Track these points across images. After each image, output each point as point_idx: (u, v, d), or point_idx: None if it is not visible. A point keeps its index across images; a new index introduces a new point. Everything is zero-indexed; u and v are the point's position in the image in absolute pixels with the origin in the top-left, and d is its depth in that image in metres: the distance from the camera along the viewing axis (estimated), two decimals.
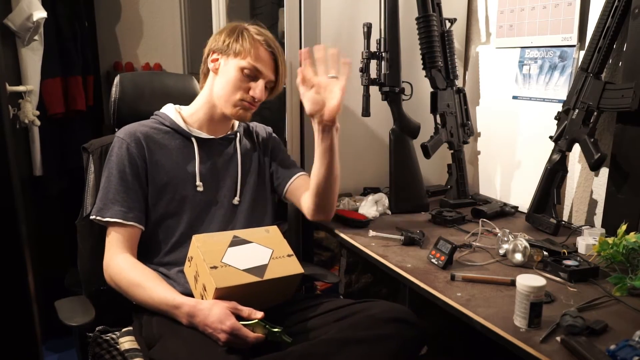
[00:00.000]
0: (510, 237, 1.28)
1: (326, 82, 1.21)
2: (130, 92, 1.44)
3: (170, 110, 1.35)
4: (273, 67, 1.32)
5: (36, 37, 1.98)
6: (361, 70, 1.58)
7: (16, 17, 1.89)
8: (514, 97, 1.71)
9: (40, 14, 1.89)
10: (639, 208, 1.31)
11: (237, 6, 2.67)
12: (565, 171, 1.46)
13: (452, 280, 1.14)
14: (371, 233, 1.41)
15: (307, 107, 1.23)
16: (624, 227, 1.16)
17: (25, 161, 2.06)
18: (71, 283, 2.12)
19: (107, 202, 1.22)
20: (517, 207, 1.66)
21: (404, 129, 1.63)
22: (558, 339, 0.88)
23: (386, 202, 1.63)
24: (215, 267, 1.09)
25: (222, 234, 1.19)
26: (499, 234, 1.31)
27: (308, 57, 1.22)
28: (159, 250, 1.27)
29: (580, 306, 1.00)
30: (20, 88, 1.97)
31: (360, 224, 1.49)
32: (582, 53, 1.42)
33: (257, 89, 1.28)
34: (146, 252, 1.26)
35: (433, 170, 1.87)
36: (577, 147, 1.43)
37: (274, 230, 1.25)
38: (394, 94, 1.61)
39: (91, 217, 1.24)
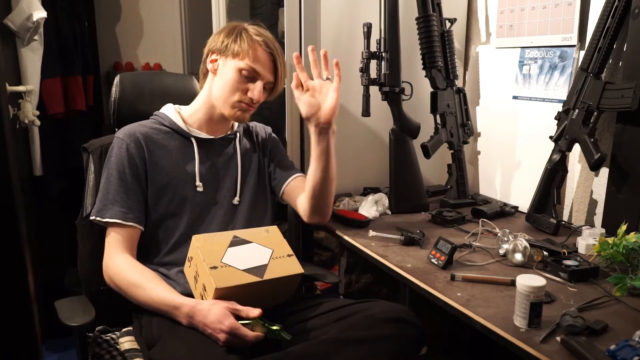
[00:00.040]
0: (510, 237, 1.28)
1: (320, 85, 1.23)
2: (130, 91, 1.44)
3: (169, 111, 1.35)
4: (272, 68, 1.31)
5: (36, 37, 1.98)
6: (361, 70, 1.58)
7: (16, 17, 1.89)
8: (514, 97, 1.71)
9: (40, 14, 1.89)
10: (639, 208, 1.31)
11: (237, 6, 2.67)
12: (565, 171, 1.46)
13: (452, 280, 1.14)
14: (371, 233, 1.41)
15: (303, 111, 1.23)
16: (624, 227, 1.16)
17: (25, 161, 2.06)
18: (71, 283, 2.12)
19: (106, 202, 1.22)
20: (517, 207, 1.66)
21: (404, 129, 1.63)
22: (558, 339, 0.88)
23: (386, 202, 1.63)
24: (215, 267, 1.09)
25: (222, 234, 1.19)
26: (499, 234, 1.31)
27: (300, 62, 1.24)
28: (159, 250, 1.27)
29: (580, 306, 1.00)
30: (20, 88, 1.97)
31: (360, 224, 1.49)
32: (582, 53, 1.42)
33: (256, 91, 1.28)
34: (146, 253, 1.26)
35: (433, 170, 1.87)
36: (577, 147, 1.43)
37: (274, 230, 1.25)
38: (394, 94, 1.61)
39: (91, 218, 1.24)
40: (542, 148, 1.53)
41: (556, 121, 1.47)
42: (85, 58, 2.41)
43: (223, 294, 1.08)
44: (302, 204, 1.36)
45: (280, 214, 1.44)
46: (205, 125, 1.35)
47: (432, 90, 1.67)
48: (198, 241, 1.14)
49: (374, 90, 1.59)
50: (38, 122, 2.02)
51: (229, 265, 1.11)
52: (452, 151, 1.73)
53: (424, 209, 1.65)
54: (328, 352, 1.02)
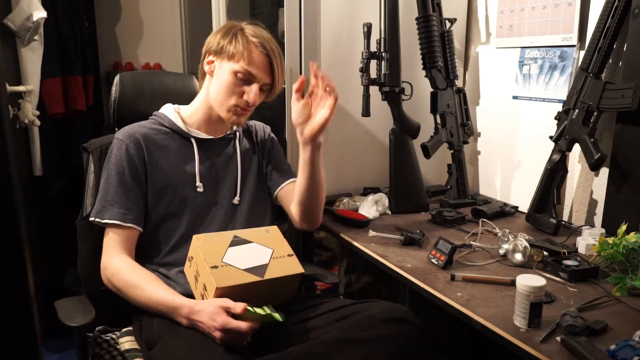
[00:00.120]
0: (510, 237, 1.28)
1: (321, 96, 1.21)
2: (130, 91, 1.44)
3: (169, 111, 1.34)
4: (268, 69, 1.29)
5: (36, 37, 1.98)
6: (361, 70, 1.58)
7: (16, 17, 1.89)
8: (514, 97, 1.71)
9: (40, 14, 1.89)
10: (639, 208, 1.31)
11: (237, 6, 2.67)
12: (565, 171, 1.46)
13: (452, 280, 1.14)
14: (371, 233, 1.41)
15: (292, 117, 1.25)
16: (624, 227, 1.16)
17: (25, 161, 2.06)
18: (71, 283, 2.12)
19: (105, 203, 1.22)
20: (517, 207, 1.66)
21: (404, 129, 1.63)
22: (558, 339, 0.88)
23: (386, 202, 1.63)
24: (215, 267, 1.09)
25: (223, 234, 1.19)
26: (499, 234, 1.31)
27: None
28: (159, 251, 1.26)
29: (580, 306, 1.00)
30: (20, 88, 1.97)
31: (360, 224, 1.49)
32: (582, 53, 1.42)
33: (251, 93, 1.27)
34: (146, 253, 1.26)
35: (433, 170, 1.87)
36: (577, 147, 1.43)
37: (274, 230, 1.25)
38: (394, 94, 1.61)
39: (90, 219, 1.24)
40: (542, 148, 1.53)
41: (556, 121, 1.47)
42: (85, 58, 2.41)
43: (224, 294, 1.07)
44: (293, 209, 1.36)
45: (280, 214, 1.44)
46: (204, 125, 1.35)
47: (432, 90, 1.67)
48: (199, 241, 1.14)
49: (374, 90, 1.59)
50: (38, 122, 2.02)
51: (230, 265, 1.11)
52: (452, 151, 1.73)
53: (424, 209, 1.65)
54: (328, 352, 1.02)
